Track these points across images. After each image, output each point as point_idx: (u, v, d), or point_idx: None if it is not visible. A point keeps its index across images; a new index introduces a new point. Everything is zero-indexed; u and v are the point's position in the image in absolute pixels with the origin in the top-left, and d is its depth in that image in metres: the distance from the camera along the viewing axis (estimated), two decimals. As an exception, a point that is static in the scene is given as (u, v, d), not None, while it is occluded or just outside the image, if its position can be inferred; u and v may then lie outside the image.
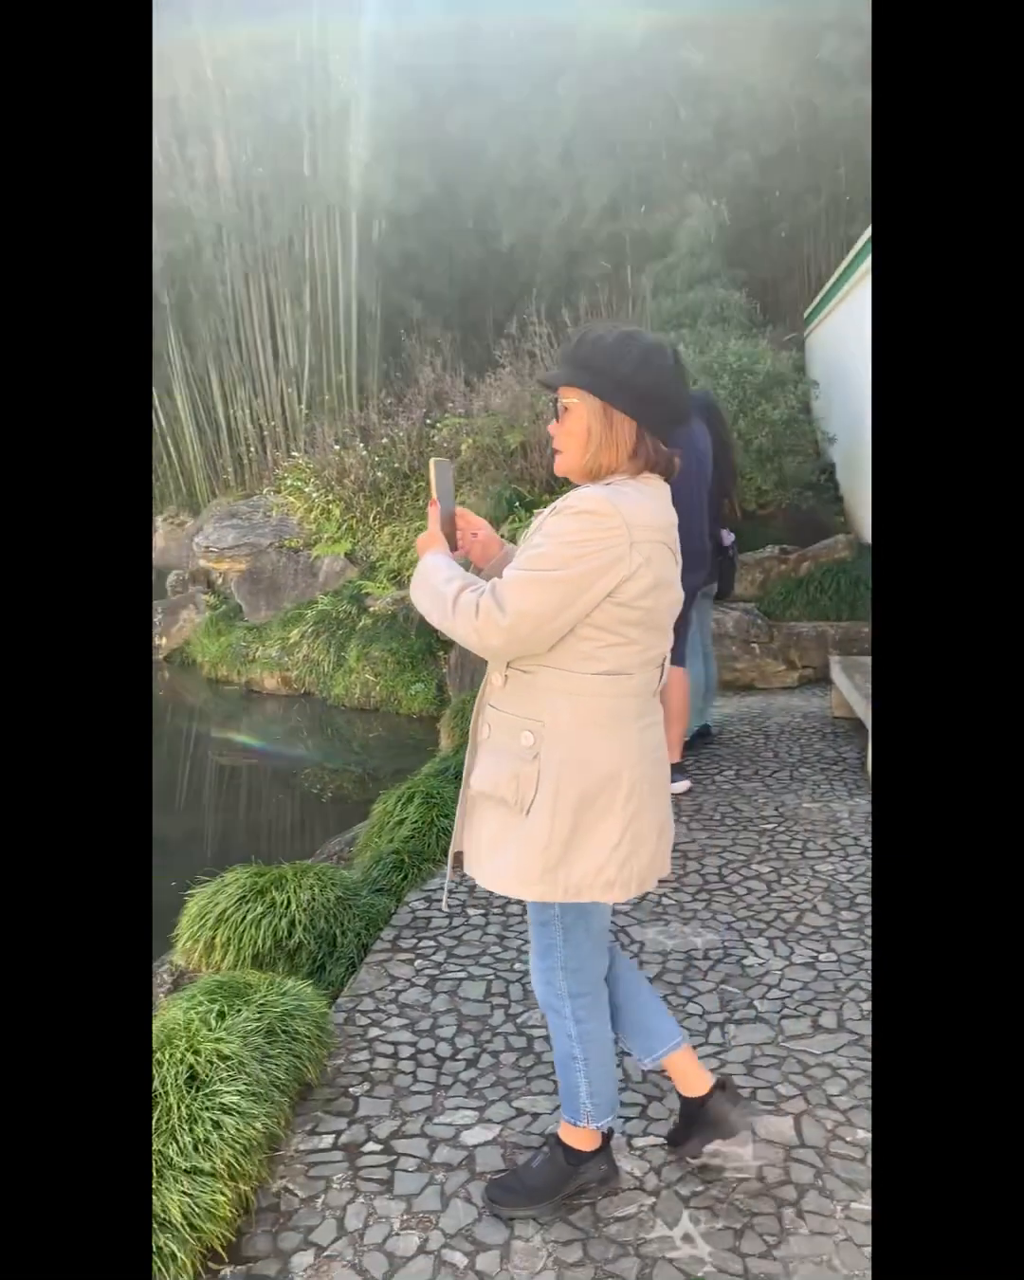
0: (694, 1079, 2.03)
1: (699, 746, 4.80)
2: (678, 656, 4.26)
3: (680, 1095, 2.07)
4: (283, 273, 10.82)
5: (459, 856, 1.92)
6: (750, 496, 7.05)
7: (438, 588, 1.70)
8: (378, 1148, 2.18)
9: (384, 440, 9.11)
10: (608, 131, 10.30)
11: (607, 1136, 2.03)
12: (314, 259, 10.76)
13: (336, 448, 9.39)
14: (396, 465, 8.88)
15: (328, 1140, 2.21)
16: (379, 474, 8.86)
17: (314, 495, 9.16)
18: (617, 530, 1.61)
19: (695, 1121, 2.04)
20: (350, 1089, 2.38)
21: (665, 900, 3.30)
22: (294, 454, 10.12)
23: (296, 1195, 2.05)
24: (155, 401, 11.36)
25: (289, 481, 9.52)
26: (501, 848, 1.76)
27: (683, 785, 4.30)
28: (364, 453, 9.01)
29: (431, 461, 1.90)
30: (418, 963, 2.95)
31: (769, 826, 3.91)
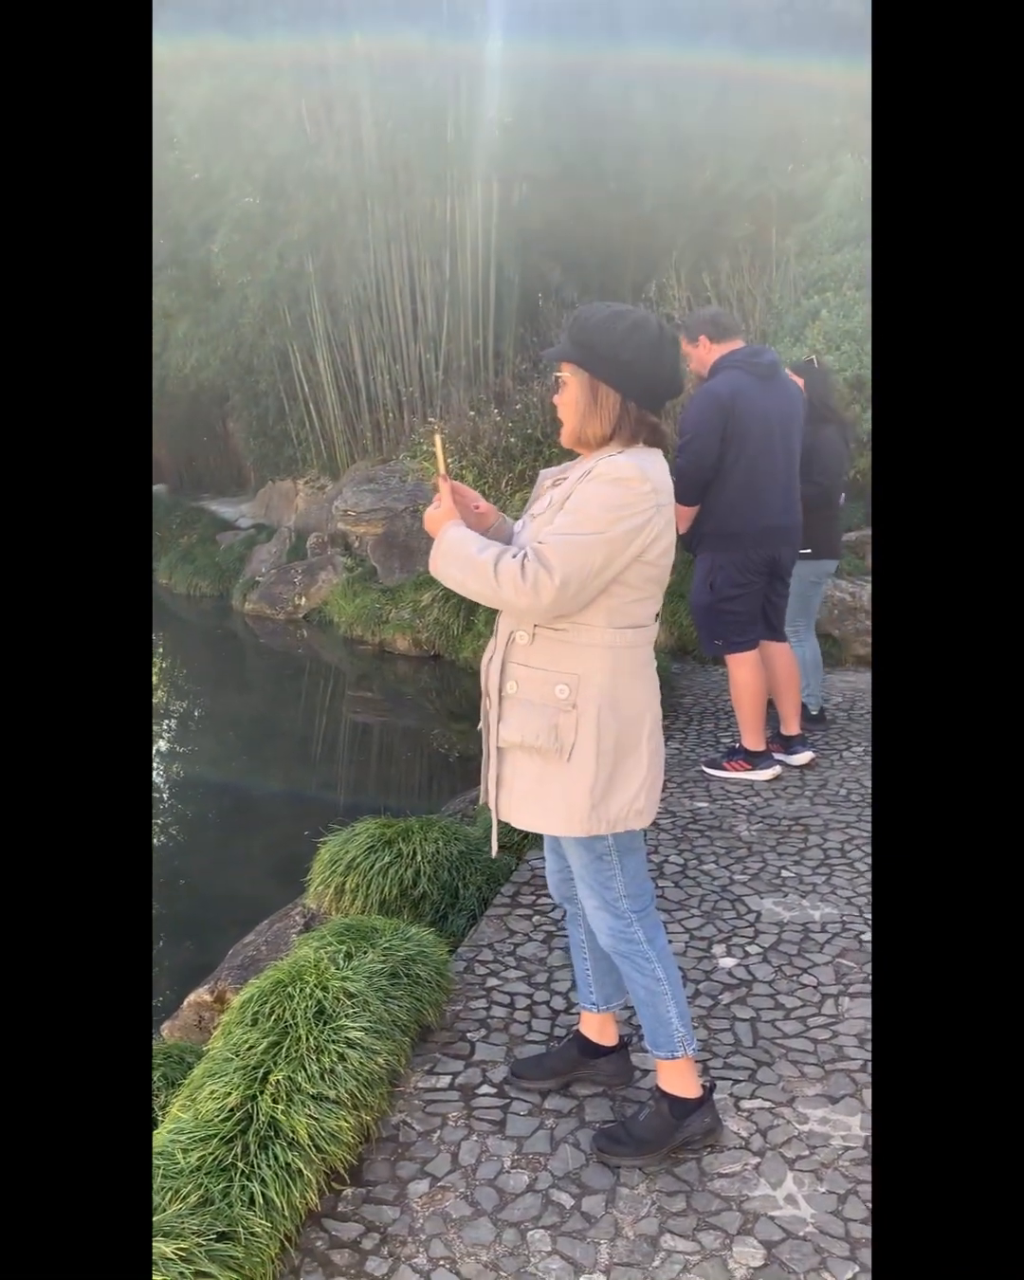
0: (611, 1033, 2.29)
1: (812, 727, 4.67)
2: (779, 631, 4.20)
3: (590, 1038, 2.27)
4: (424, 238, 10.91)
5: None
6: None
7: (472, 557, 1.82)
8: (492, 1091, 2.27)
9: (518, 406, 9.15)
10: (756, 88, 9.99)
11: (708, 1089, 2.09)
12: (455, 224, 10.80)
13: (471, 413, 9.47)
14: (530, 431, 8.90)
15: (445, 1080, 2.31)
16: (512, 440, 8.91)
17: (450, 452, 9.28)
18: (647, 495, 1.78)
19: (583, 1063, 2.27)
20: (467, 1034, 2.48)
21: (785, 873, 3.30)
22: (431, 419, 10.26)
23: (414, 1129, 2.16)
24: (298, 367, 11.65)
25: (425, 446, 9.67)
26: (543, 793, 1.91)
27: (806, 756, 4.26)
28: (498, 418, 9.07)
29: (436, 435, 2.00)
30: (536, 918, 3.03)
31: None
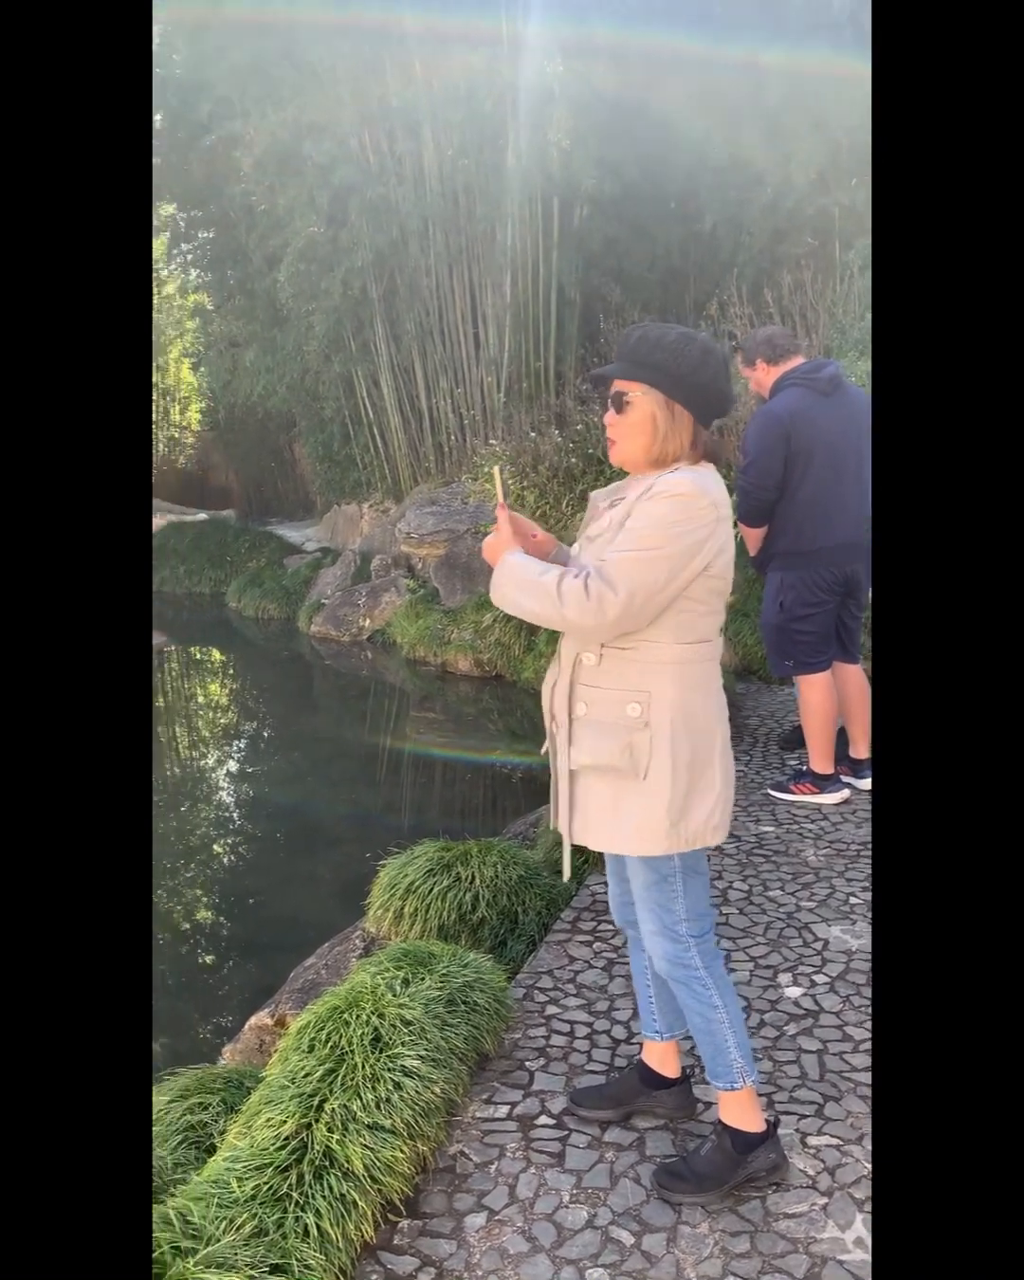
0: (673, 1064, 2.25)
1: None
2: (852, 652, 4.11)
3: (652, 1068, 2.23)
4: (485, 262, 11.00)
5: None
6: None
7: (534, 580, 1.83)
8: (550, 1122, 2.23)
9: (579, 426, 9.15)
10: (816, 103, 9.92)
11: (773, 1124, 2.03)
12: (516, 247, 10.88)
13: (532, 434, 9.50)
14: (591, 451, 8.90)
15: (503, 1110, 2.28)
16: (573, 460, 8.91)
17: (509, 482, 9.31)
18: (706, 510, 1.79)
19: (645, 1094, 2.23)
20: (526, 1063, 2.44)
21: (853, 899, 3.21)
22: (492, 441, 10.31)
23: (471, 1160, 2.13)
24: (363, 393, 11.80)
25: (485, 469, 9.71)
26: (620, 813, 1.89)
27: (866, 783, 4.16)
28: (558, 439, 9.08)
29: (495, 467, 2.05)
30: (596, 945, 2.98)
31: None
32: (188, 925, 4.59)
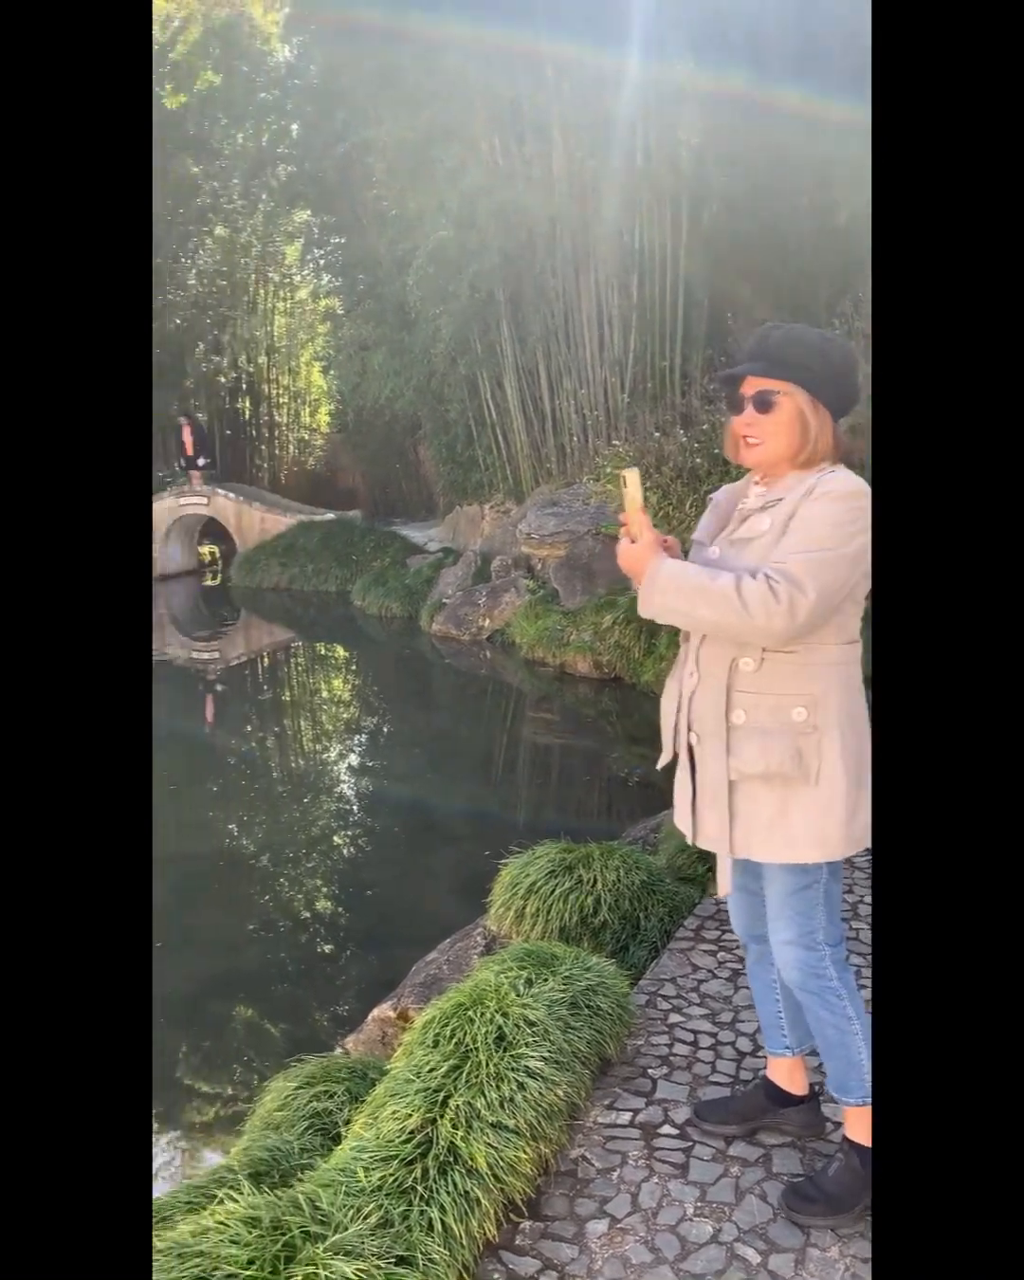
0: (801, 1081, 2.20)
1: None
2: None
3: (779, 1085, 2.18)
4: (611, 263, 10.96)
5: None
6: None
7: (705, 585, 1.77)
8: (674, 1132, 2.20)
9: (705, 425, 9.03)
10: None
11: None
12: (643, 248, 10.81)
13: (657, 435, 9.42)
14: (716, 451, 8.77)
15: (626, 1117, 2.25)
16: (698, 460, 8.80)
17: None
18: (868, 509, 1.76)
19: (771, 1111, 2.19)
20: (649, 1070, 2.41)
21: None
22: (614, 442, 10.26)
23: (593, 1165, 2.11)
24: (487, 394, 11.89)
25: (608, 469, 9.67)
26: (789, 820, 1.85)
27: None
28: (683, 439, 8.98)
29: (626, 471, 1.89)
30: (720, 954, 2.93)
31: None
32: (307, 914, 4.69)
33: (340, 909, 4.71)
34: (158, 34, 14.30)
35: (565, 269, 11.12)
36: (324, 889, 4.97)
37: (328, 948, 4.33)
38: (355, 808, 6.28)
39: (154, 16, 14.09)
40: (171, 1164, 3.06)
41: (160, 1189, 2.88)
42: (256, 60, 15.54)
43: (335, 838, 5.68)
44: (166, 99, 14.46)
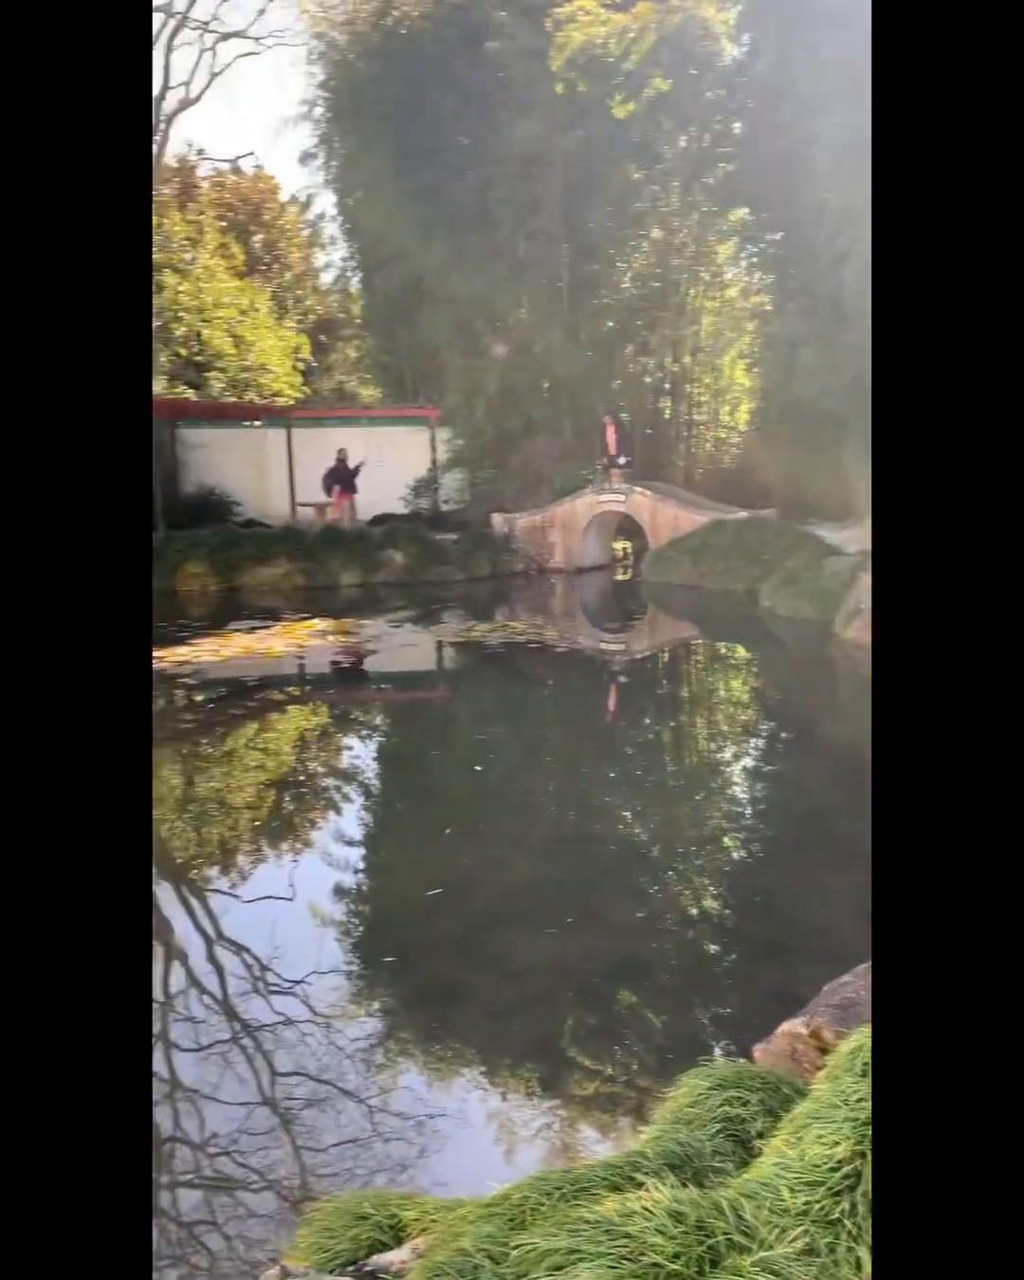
0: None
1: None
2: None
3: None
4: None
5: None
6: None
7: None
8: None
9: None
10: None
11: None
12: None
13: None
14: None
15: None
16: None
17: None
18: None
19: None
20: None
21: None
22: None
23: None
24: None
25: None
26: None
27: None
28: None
29: None
30: None
31: None
32: (694, 911, 4.69)
33: (728, 911, 4.67)
34: (612, 48, 14.83)
35: None
36: (712, 889, 4.95)
37: (713, 947, 4.31)
38: (748, 812, 6.19)
39: (608, 30, 14.68)
40: (550, 1128, 3.19)
41: (532, 1154, 3.03)
42: (705, 62, 15.64)
43: (726, 839, 5.64)
44: (615, 108, 14.97)
